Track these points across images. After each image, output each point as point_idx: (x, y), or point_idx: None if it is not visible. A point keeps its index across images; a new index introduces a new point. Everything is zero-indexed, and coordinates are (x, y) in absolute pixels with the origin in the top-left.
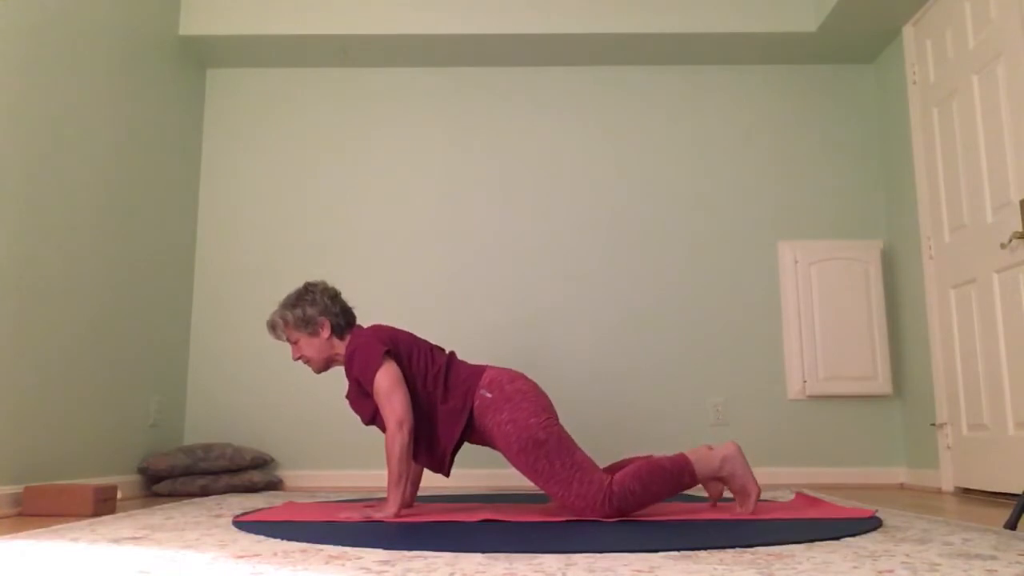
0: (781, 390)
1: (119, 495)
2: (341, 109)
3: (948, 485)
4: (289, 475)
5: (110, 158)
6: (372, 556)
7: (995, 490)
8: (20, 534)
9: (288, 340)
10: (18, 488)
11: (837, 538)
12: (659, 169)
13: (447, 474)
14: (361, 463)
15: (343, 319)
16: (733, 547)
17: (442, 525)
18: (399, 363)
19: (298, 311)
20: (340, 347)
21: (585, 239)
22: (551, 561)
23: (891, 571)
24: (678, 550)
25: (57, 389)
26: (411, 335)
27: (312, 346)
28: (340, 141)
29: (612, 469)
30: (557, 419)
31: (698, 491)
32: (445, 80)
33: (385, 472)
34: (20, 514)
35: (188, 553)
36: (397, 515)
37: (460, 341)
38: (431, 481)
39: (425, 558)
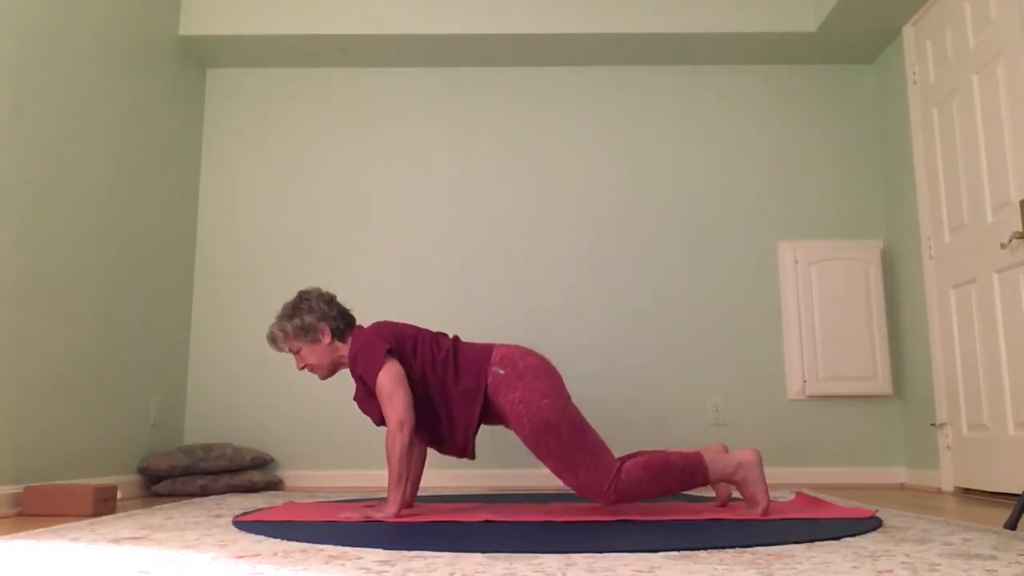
0: (781, 390)
1: (119, 495)
2: (341, 109)
3: (948, 485)
4: (289, 475)
5: (110, 158)
6: (372, 556)
7: (995, 490)
8: (20, 534)
9: (290, 351)
10: (18, 488)
11: (837, 538)
12: (659, 169)
13: (472, 456)
14: (361, 463)
15: (342, 322)
16: (733, 547)
17: (442, 525)
18: (404, 357)
19: (296, 320)
20: (343, 350)
21: (585, 239)
22: (551, 561)
23: (891, 571)
24: (678, 550)
25: (57, 389)
26: (413, 327)
27: (315, 353)
28: (340, 141)
29: (623, 459)
30: (569, 399)
31: (700, 491)
32: (445, 80)
33: (385, 472)
34: (20, 514)
35: (188, 553)
36: (397, 515)
37: None
38: (431, 481)
39: (425, 558)
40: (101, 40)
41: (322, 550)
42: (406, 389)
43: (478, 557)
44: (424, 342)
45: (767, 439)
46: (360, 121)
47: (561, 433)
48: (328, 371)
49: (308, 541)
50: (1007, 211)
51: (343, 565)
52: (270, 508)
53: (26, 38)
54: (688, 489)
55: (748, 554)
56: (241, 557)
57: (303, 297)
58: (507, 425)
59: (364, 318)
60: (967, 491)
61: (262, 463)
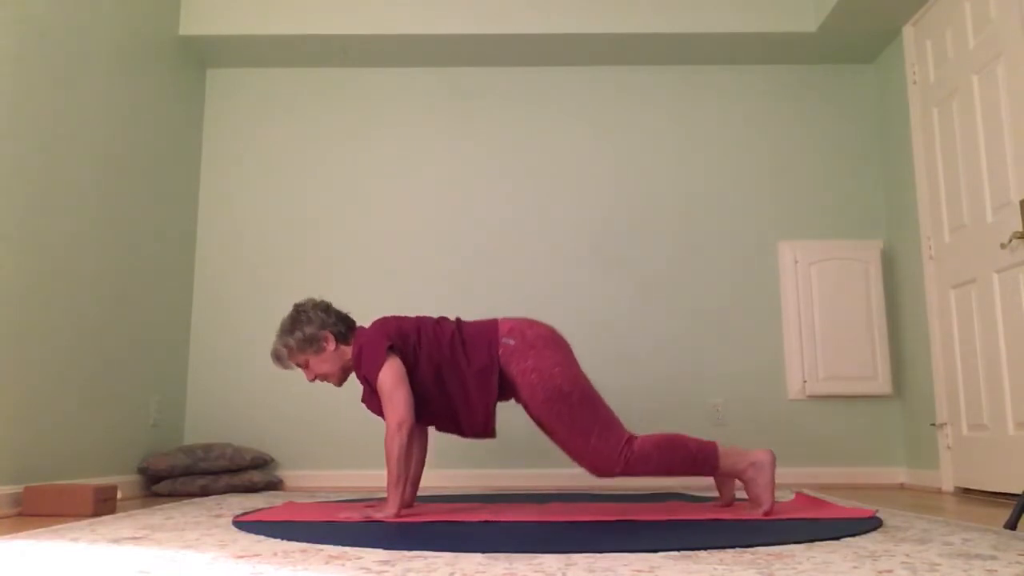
0: (781, 390)
1: (119, 495)
2: (341, 109)
3: (948, 485)
4: (289, 475)
5: (110, 158)
6: (372, 556)
7: (995, 490)
8: (20, 534)
9: (298, 365)
10: (18, 488)
11: (837, 538)
12: (659, 169)
13: (494, 434)
14: (361, 463)
15: (342, 326)
16: (733, 547)
17: (442, 525)
18: (408, 350)
19: (297, 334)
20: (349, 353)
21: (584, 238)
22: (551, 561)
23: (891, 571)
24: (678, 550)
25: (57, 389)
26: (415, 318)
27: (323, 362)
28: (340, 141)
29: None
30: (580, 368)
31: (700, 491)
32: (445, 80)
33: (385, 472)
34: (20, 514)
35: (188, 553)
36: (397, 515)
37: None
38: (431, 481)
39: (425, 558)
40: (101, 40)
41: (322, 550)
42: (406, 388)
43: (478, 557)
44: (427, 330)
45: (767, 439)
46: (360, 121)
47: (573, 402)
48: (340, 377)
49: (308, 541)
50: (1007, 211)
51: (343, 565)
52: (270, 508)
53: (26, 38)
54: (695, 474)
55: (748, 554)
56: (241, 557)
57: (300, 310)
58: (517, 396)
59: (364, 318)
60: (967, 491)
61: (262, 463)
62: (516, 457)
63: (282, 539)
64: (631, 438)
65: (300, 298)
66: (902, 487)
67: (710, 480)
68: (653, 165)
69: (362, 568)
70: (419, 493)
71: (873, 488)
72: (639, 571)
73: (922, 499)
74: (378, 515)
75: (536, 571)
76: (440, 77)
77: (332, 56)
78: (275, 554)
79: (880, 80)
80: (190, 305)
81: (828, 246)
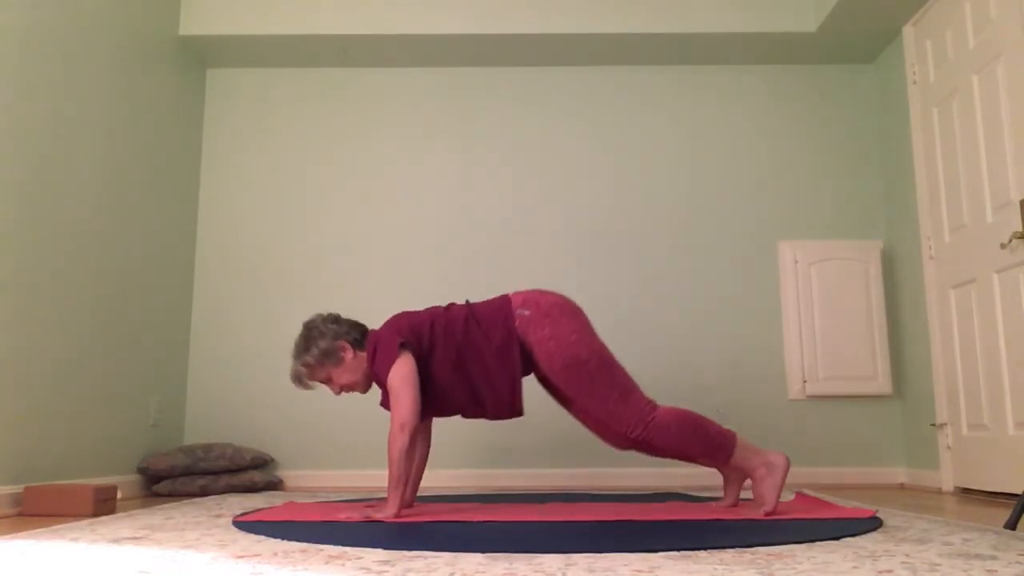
0: (781, 390)
1: (119, 495)
2: (341, 109)
3: (948, 485)
4: (289, 475)
5: (110, 158)
6: (372, 556)
7: (995, 490)
8: (20, 534)
9: (320, 382)
10: (18, 488)
11: (837, 538)
12: (659, 169)
13: (521, 411)
14: (361, 463)
15: (356, 332)
16: (733, 547)
17: (442, 525)
18: (423, 344)
19: (313, 350)
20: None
21: (584, 238)
22: (551, 561)
23: (891, 571)
24: (678, 550)
25: (57, 389)
26: (426, 311)
27: (345, 372)
28: (340, 141)
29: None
30: (596, 335)
31: (701, 491)
32: (445, 80)
33: (386, 472)
34: (20, 514)
35: (188, 553)
36: (397, 515)
37: None
38: (431, 481)
39: (425, 558)
40: (101, 40)
41: (322, 550)
42: (413, 389)
43: (478, 557)
44: (440, 319)
45: (767, 439)
46: (360, 121)
47: (591, 369)
48: (365, 384)
49: (308, 541)
50: (1007, 211)
51: (343, 565)
52: (270, 508)
53: (26, 38)
54: (708, 458)
55: (748, 554)
56: (241, 557)
57: (310, 326)
58: (535, 367)
59: (364, 317)
60: (967, 491)
61: (262, 463)
62: (516, 457)
63: (282, 539)
64: (654, 405)
65: (300, 297)
66: (902, 487)
67: (710, 480)
68: (653, 165)
69: (362, 568)
70: (419, 493)
71: (873, 488)
72: (639, 571)
73: (922, 499)
74: (378, 515)
75: (536, 571)
76: (440, 77)
77: (332, 56)
78: (275, 554)
79: (880, 80)
80: (190, 305)
81: (828, 246)
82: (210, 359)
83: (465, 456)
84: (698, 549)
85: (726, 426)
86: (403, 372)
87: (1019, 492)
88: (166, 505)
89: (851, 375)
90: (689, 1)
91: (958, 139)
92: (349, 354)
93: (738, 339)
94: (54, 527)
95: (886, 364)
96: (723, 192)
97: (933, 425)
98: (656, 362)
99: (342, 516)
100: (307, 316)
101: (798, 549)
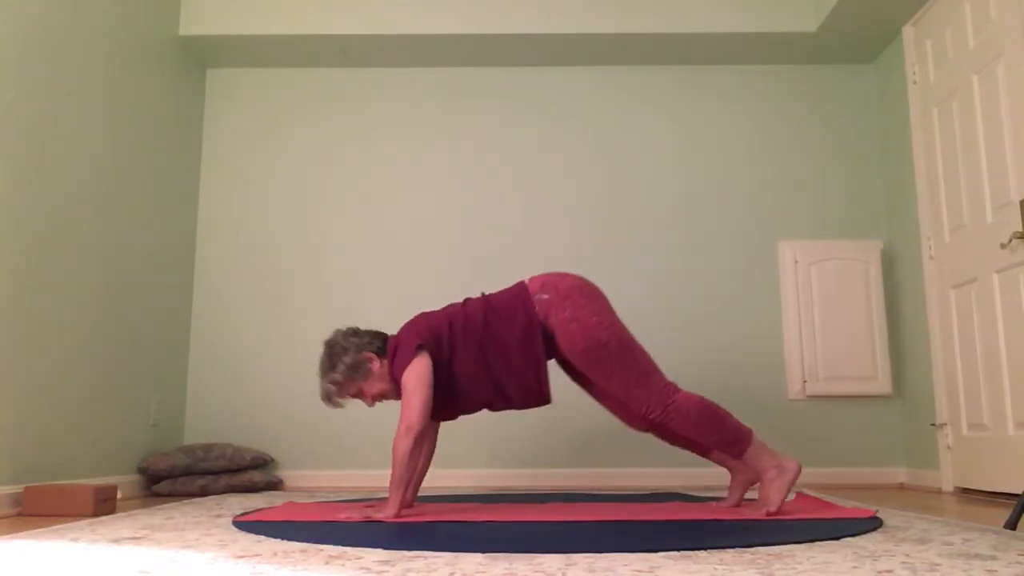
0: (781, 390)
1: (119, 495)
2: (341, 109)
3: (948, 485)
4: (289, 475)
5: (110, 158)
6: (372, 556)
7: (995, 490)
8: (20, 534)
9: (352, 396)
10: (18, 488)
11: (837, 538)
12: (659, 169)
13: (549, 398)
14: (361, 463)
15: (377, 341)
16: (733, 547)
17: (442, 525)
18: (441, 345)
19: (340, 367)
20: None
21: (585, 239)
22: (551, 561)
23: (891, 571)
24: (678, 550)
25: (57, 389)
26: (443, 309)
27: (375, 382)
28: (340, 141)
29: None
30: (617, 316)
31: (701, 491)
32: (445, 80)
33: (386, 472)
34: (20, 514)
35: (188, 553)
36: (397, 515)
37: None
38: (431, 481)
39: (425, 558)
40: (101, 40)
41: (322, 550)
42: (425, 392)
43: (478, 557)
44: (458, 316)
45: (767, 439)
46: (360, 121)
47: (612, 351)
48: (396, 390)
49: (308, 541)
50: (1007, 211)
51: (343, 565)
52: (270, 508)
53: (26, 38)
54: (722, 449)
55: (748, 554)
56: (241, 557)
57: (332, 344)
58: (556, 350)
59: (362, 317)
60: (967, 491)
61: (262, 463)
62: (516, 457)
63: (282, 539)
64: (675, 388)
65: (300, 297)
66: (902, 487)
67: (710, 480)
68: (653, 165)
69: (362, 568)
70: (419, 493)
71: (873, 488)
72: (639, 571)
73: (922, 499)
74: (378, 515)
75: (536, 571)
76: (440, 77)
77: (332, 56)
78: (275, 554)
79: (880, 80)
80: (190, 305)
81: (828, 246)
82: (210, 359)
83: (465, 456)
84: (698, 549)
85: None
86: (417, 373)
87: (1019, 492)
88: (166, 505)
89: (851, 375)
90: (689, 1)
91: (958, 139)
92: (376, 364)
93: (738, 339)
94: (54, 527)
95: (886, 364)
96: (723, 192)
97: (933, 425)
98: (656, 362)
99: (342, 516)
100: (307, 316)
101: (798, 549)
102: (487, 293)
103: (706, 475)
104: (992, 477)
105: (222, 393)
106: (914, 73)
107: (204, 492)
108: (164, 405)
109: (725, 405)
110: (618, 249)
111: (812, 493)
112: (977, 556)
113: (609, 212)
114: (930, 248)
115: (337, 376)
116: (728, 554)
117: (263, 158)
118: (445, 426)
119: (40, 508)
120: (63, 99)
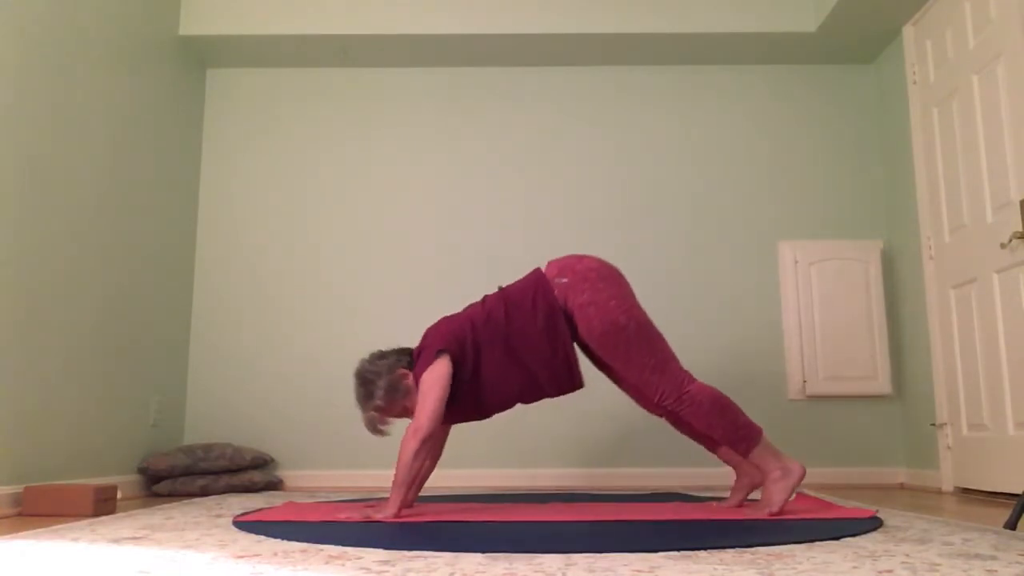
0: (781, 390)
1: (119, 495)
2: (341, 109)
3: (948, 485)
4: (289, 475)
5: (110, 158)
6: (372, 556)
7: (995, 490)
8: (20, 534)
9: (396, 417)
10: (18, 488)
11: (837, 538)
12: (659, 169)
13: (581, 382)
14: (361, 463)
15: (404, 356)
16: (733, 547)
17: (442, 525)
18: (465, 348)
19: (379, 392)
20: None
21: (585, 239)
22: (551, 561)
23: (891, 571)
24: (678, 550)
25: (58, 389)
26: (463, 312)
27: (415, 396)
28: (340, 141)
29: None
30: (636, 300)
31: (700, 491)
32: (445, 80)
33: (386, 472)
34: (20, 514)
35: (188, 553)
36: (397, 516)
37: None
38: (431, 481)
39: (425, 558)
40: (101, 40)
41: (322, 550)
42: (438, 397)
43: (478, 557)
44: (478, 316)
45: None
46: (360, 121)
47: (629, 335)
48: None
49: (308, 541)
50: (1007, 211)
51: (343, 565)
52: (270, 508)
53: (26, 38)
54: (729, 445)
55: (748, 554)
56: (241, 557)
57: (362, 372)
58: (574, 334)
59: (362, 317)
60: (967, 491)
61: (262, 463)
62: (516, 457)
63: (282, 539)
64: (691, 378)
65: (300, 297)
66: (902, 487)
67: (710, 480)
68: (653, 165)
69: (362, 568)
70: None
71: (873, 488)
72: (639, 571)
73: (922, 499)
74: (378, 515)
75: (536, 571)
76: (440, 77)
77: (332, 56)
78: (275, 554)
79: (880, 80)
80: (190, 305)
81: (828, 246)
82: (210, 359)
83: (466, 456)
84: (698, 549)
85: None
86: (434, 376)
87: (1019, 492)
88: (166, 505)
89: (851, 375)
90: (689, 1)
91: (958, 139)
92: (410, 378)
93: (738, 339)
94: (54, 527)
95: (886, 364)
96: (723, 192)
97: (933, 425)
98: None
99: (342, 516)
100: (307, 316)
101: (798, 549)
102: (503, 286)
103: (706, 475)
104: (992, 477)
105: (222, 393)
106: (914, 73)
107: (204, 492)
108: (164, 405)
109: None
110: (618, 249)
111: (812, 493)
112: (977, 556)
113: (609, 212)
114: (930, 248)
115: (378, 402)
116: (728, 554)
117: (263, 158)
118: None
119: (40, 508)
120: (63, 99)
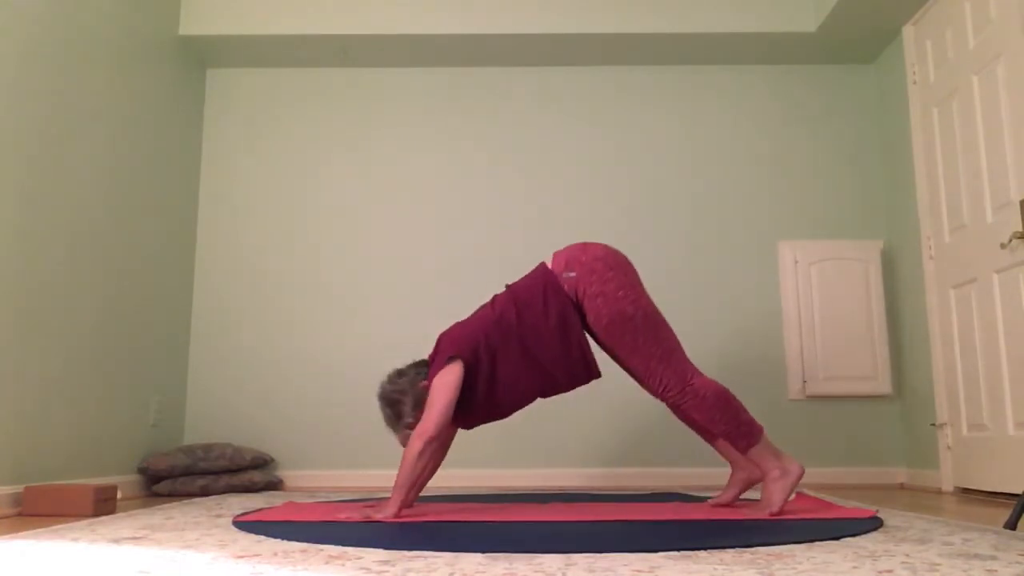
0: (781, 390)
1: (119, 495)
2: (341, 109)
3: (948, 485)
4: (289, 475)
5: (110, 158)
6: (372, 556)
7: (995, 490)
8: (20, 534)
9: None
10: (18, 488)
11: (837, 538)
12: (659, 169)
13: (598, 372)
14: (361, 463)
15: (423, 369)
16: (733, 547)
17: (442, 525)
18: (478, 353)
19: (406, 410)
20: None
21: (584, 239)
22: (551, 561)
23: (891, 571)
24: (678, 550)
25: (57, 389)
26: (472, 316)
27: None
28: (340, 141)
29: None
30: (644, 290)
31: (700, 491)
32: (445, 80)
33: (385, 472)
34: (20, 514)
35: (188, 553)
36: (397, 516)
37: None
38: (432, 481)
39: (425, 558)
40: (101, 40)
41: (322, 550)
42: (446, 402)
43: (478, 557)
44: (488, 319)
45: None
46: (360, 121)
47: (636, 325)
48: None
49: (308, 541)
50: (1007, 211)
51: (343, 565)
52: (270, 508)
53: (26, 38)
54: (730, 440)
55: (748, 554)
56: (241, 557)
57: (387, 397)
58: (583, 323)
59: (361, 317)
60: (967, 491)
61: (262, 463)
62: (516, 457)
63: (282, 539)
64: (696, 372)
65: (300, 297)
66: (902, 487)
67: (710, 480)
68: (653, 165)
69: (362, 568)
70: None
71: (873, 488)
72: (639, 571)
73: (922, 499)
74: (378, 515)
75: (536, 571)
76: (440, 77)
77: (332, 56)
78: (275, 554)
79: (880, 80)
80: (190, 305)
81: (828, 246)
82: (210, 359)
83: (466, 456)
84: (698, 549)
85: None
86: (445, 380)
87: (1019, 492)
88: (166, 505)
89: (851, 375)
90: (689, 1)
91: (958, 139)
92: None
93: (738, 339)
94: (54, 527)
95: (886, 364)
96: (723, 192)
97: (933, 425)
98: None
99: (342, 516)
100: (307, 316)
101: (798, 549)
102: (509, 284)
103: (706, 475)
104: (992, 477)
105: (222, 393)
106: (914, 73)
107: (204, 492)
108: (164, 405)
109: None
110: (618, 248)
111: (812, 493)
112: (977, 556)
113: (609, 212)
114: (930, 248)
115: (409, 420)
116: (728, 554)
117: (263, 158)
118: None
119: (40, 508)
120: (63, 99)
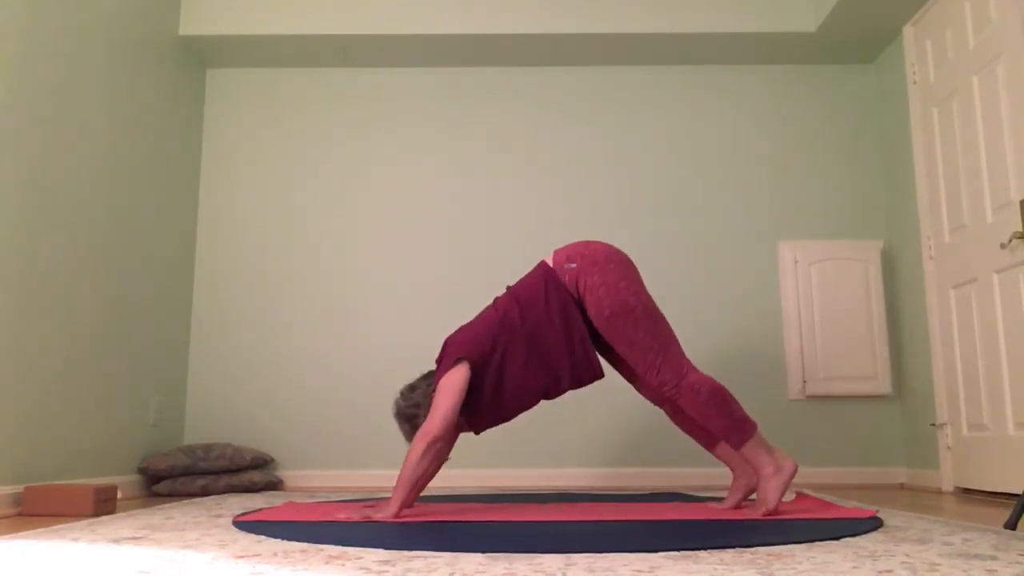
0: (781, 390)
1: (119, 495)
2: (341, 109)
3: (948, 485)
4: (289, 475)
5: (110, 158)
6: (372, 556)
7: (995, 490)
8: (20, 534)
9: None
10: (18, 488)
11: (837, 538)
12: (659, 169)
13: (601, 372)
14: (361, 463)
15: (431, 377)
16: (733, 547)
17: (442, 525)
18: (485, 353)
19: (423, 419)
20: None
21: (585, 239)
22: (551, 561)
23: (891, 571)
24: (678, 550)
25: (57, 389)
26: (477, 318)
27: None
28: (340, 141)
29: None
30: (643, 284)
31: (700, 491)
32: (445, 80)
33: (385, 472)
34: (20, 514)
35: (188, 553)
36: (397, 516)
37: None
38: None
39: (425, 558)
40: (101, 40)
41: (322, 550)
42: (452, 402)
43: (478, 557)
44: (492, 321)
45: (767, 439)
46: (360, 121)
47: (636, 317)
48: None
49: (308, 541)
50: (1007, 211)
51: (343, 565)
52: (270, 508)
53: (26, 38)
54: (723, 436)
55: (748, 554)
56: (241, 557)
57: (403, 412)
58: (584, 316)
59: (361, 317)
60: (967, 491)
61: (262, 463)
62: (516, 457)
63: (282, 539)
64: (692, 367)
65: (300, 297)
66: (902, 487)
67: (710, 480)
68: (653, 165)
69: (362, 568)
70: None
71: (873, 488)
72: (639, 571)
73: (922, 499)
74: (378, 515)
75: (536, 571)
76: (440, 77)
77: (332, 56)
78: (275, 554)
79: (880, 80)
80: (190, 305)
81: (828, 246)
82: (210, 359)
83: (466, 456)
84: (698, 549)
85: None
86: (450, 381)
87: (1019, 492)
88: (166, 505)
89: (851, 375)
90: (689, 1)
91: (958, 139)
92: None
93: (738, 339)
94: (54, 527)
95: (886, 364)
96: (723, 192)
97: (933, 425)
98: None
99: (342, 516)
100: (307, 316)
101: (798, 549)
102: (511, 286)
103: (706, 475)
104: (992, 477)
105: (222, 393)
106: (914, 73)
107: (204, 492)
108: (164, 405)
109: None
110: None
111: (812, 493)
112: (977, 556)
113: (609, 212)
114: (930, 248)
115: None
116: (728, 554)
117: (263, 158)
118: None
119: (40, 508)
120: (63, 99)
